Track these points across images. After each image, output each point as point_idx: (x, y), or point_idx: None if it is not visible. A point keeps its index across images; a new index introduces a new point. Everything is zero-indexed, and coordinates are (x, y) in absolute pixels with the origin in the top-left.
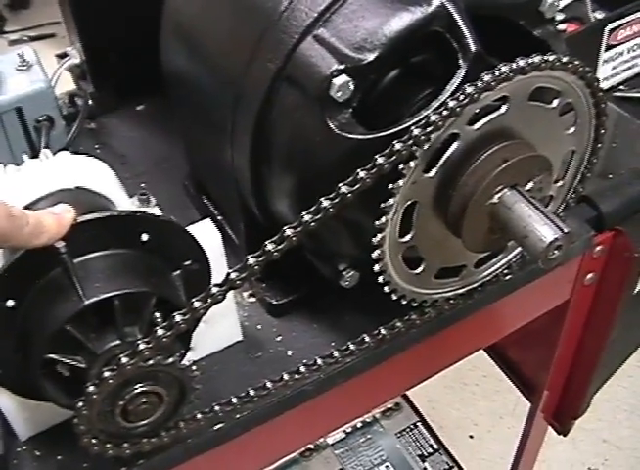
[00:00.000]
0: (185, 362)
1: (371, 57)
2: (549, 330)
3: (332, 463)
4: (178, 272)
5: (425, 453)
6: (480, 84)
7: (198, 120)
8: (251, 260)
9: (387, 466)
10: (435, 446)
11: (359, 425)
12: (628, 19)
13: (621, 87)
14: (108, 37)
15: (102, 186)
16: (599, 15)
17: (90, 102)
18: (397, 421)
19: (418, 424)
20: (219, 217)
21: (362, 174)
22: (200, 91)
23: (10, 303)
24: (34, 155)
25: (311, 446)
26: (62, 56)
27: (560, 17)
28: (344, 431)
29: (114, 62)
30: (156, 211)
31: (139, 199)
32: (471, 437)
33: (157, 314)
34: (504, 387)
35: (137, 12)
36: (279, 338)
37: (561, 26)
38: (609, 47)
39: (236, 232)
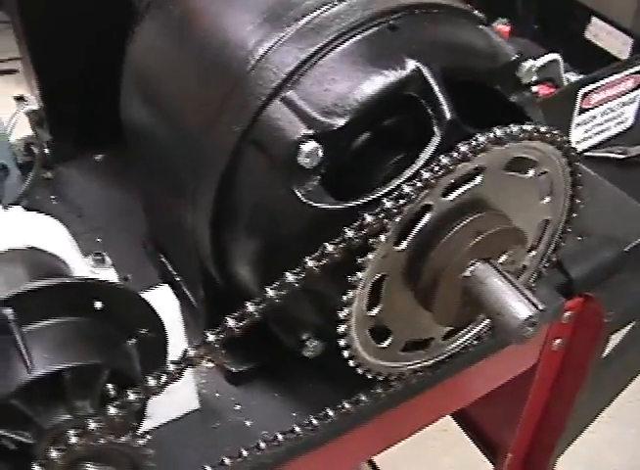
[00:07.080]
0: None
1: (341, 122)
2: (515, 392)
3: None
4: (133, 341)
5: None
6: (455, 155)
7: (157, 179)
8: (211, 337)
9: None
10: None
11: None
12: (601, 83)
13: None
14: (67, 85)
15: (55, 246)
16: (571, 76)
17: (47, 151)
18: None
19: None
20: (178, 278)
21: (330, 248)
22: (160, 150)
23: None
24: None
25: None
26: (20, 98)
27: (533, 79)
28: None
29: (73, 110)
30: (111, 273)
31: (94, 259)
32: None
33: (109, 385)
34: (464, 440)
35: (97, 60)
36: (238, 407)
37: (533, 88)
38: (582, 111)
39: (195, 295)
